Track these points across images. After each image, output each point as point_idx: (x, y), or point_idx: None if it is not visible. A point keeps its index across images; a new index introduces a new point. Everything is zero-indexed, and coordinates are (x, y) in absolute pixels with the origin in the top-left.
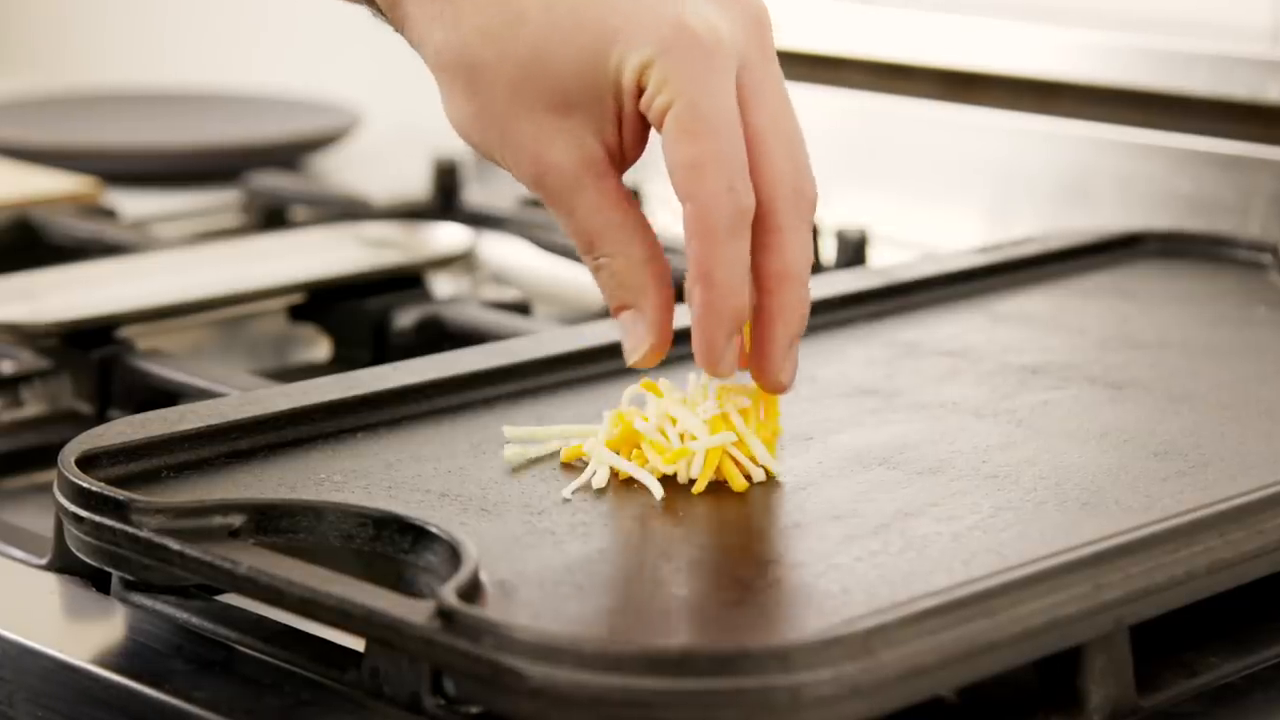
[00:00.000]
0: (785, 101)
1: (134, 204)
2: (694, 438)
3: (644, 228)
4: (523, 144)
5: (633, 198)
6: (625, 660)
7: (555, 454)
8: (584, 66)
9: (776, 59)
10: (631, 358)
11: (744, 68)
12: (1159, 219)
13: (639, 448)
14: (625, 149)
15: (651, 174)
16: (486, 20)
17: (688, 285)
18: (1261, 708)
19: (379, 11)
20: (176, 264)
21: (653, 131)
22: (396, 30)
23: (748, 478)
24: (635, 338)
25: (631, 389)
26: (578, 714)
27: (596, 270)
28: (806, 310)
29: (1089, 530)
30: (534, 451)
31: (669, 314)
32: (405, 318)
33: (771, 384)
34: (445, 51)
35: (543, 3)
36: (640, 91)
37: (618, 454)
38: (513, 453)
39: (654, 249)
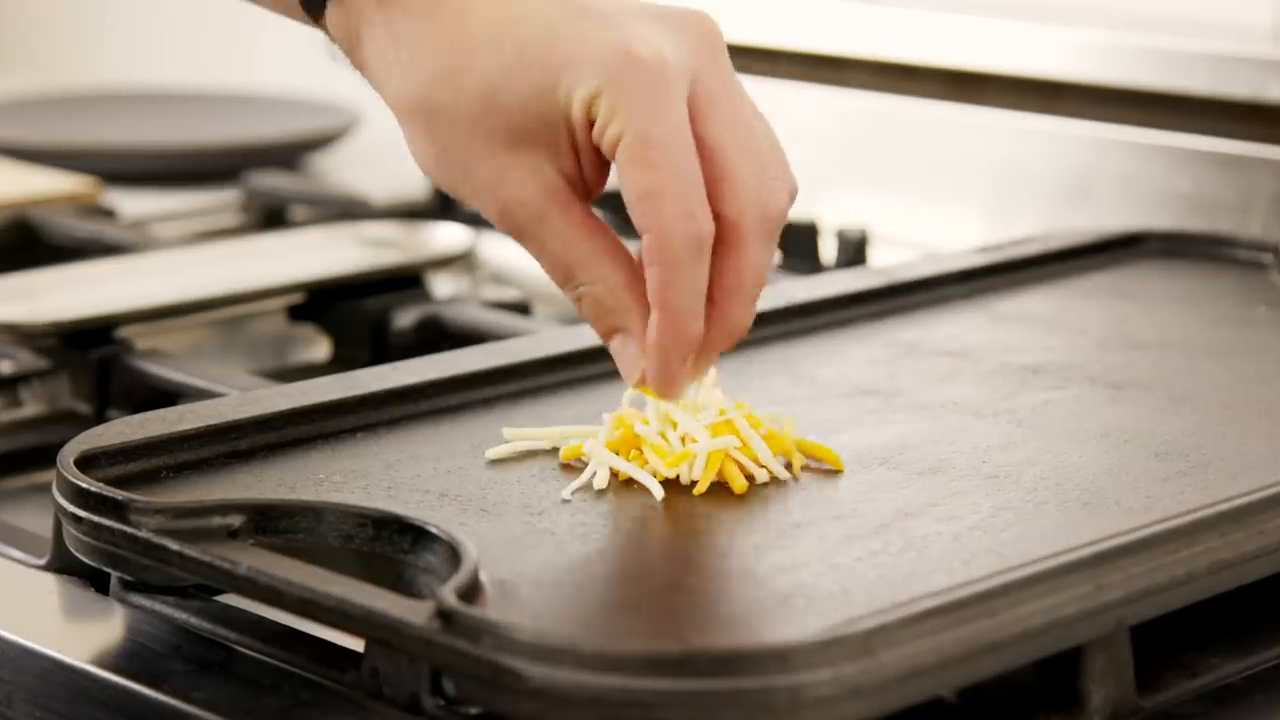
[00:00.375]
0: (744, 112)
1: (133, 204)
2: (695, 440)
3: (618, 251)
4: (482, 182)
5: (603, 224)
6: (625, 661)
7: (555, 454)
8: (534, 101)
9: (732, 72)
10: (630, 380)
11: (696, 83)
12: (1160, 219)
13: (639, 449)
14: (586, 179)
15: None
16: (440, 63)
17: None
18: (1262, 708)
19: (341, 51)
20: (176, 264)
21: None
22: (357, 71)
23: (750, 479)
24: (629, 360)
25: (631, 389)
26: (578, 714)
27: (578, 301)
28: (745, 327)
29: (1089, 530)
30: (520, 448)
31: None
32: (405, 318)
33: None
34: (403, 96)
35: (491, 42)
36: (591, 123)
37: (617, 455)
38: (498, 450)
39: (632, 271)
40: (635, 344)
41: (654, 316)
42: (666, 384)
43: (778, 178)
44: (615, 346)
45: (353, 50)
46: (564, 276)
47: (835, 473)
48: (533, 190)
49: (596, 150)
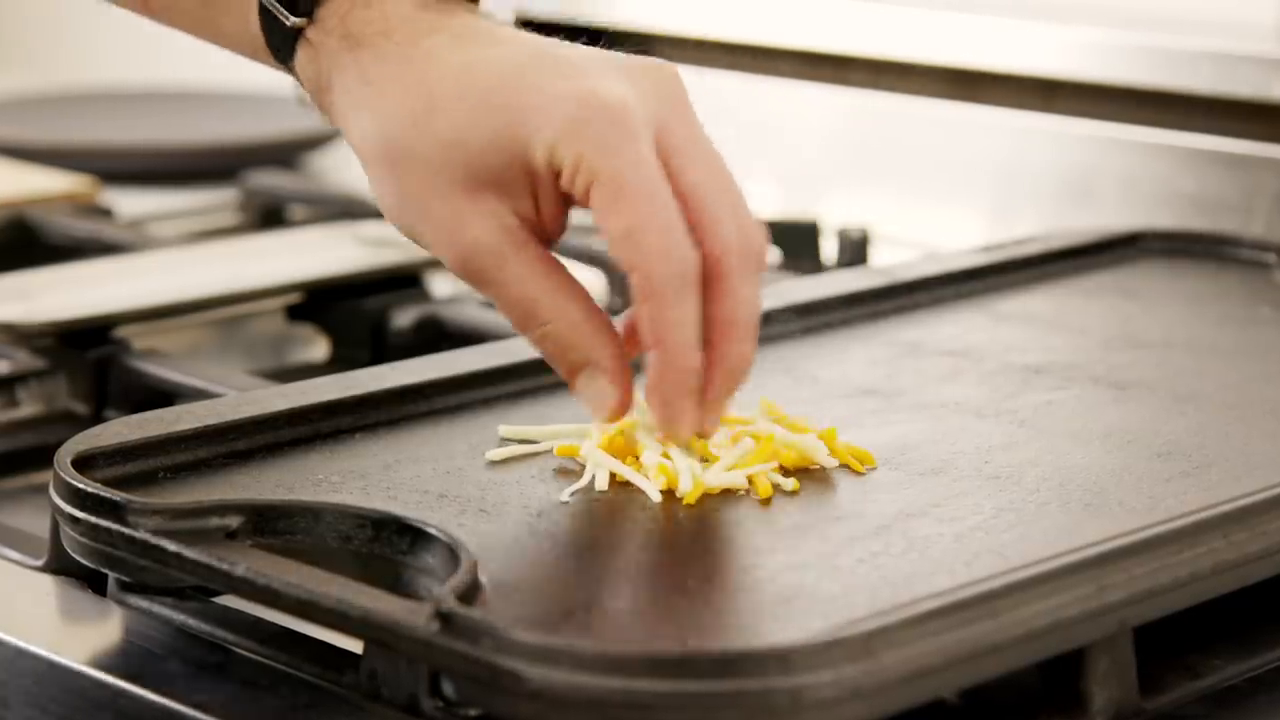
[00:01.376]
0: (715, 156)
1: (131, 203)
2: (715, 458)
3: (578, 290)
4: (440, 226)
5: (561, 264)
6: (625, 662)
7: (553, 455)
8: (493, 147)
9: (696, 116)
10: (600, 415)
11: (663, 130)
12: (1162, 218)
13: (635, 453)
14: (545, 224)
15: None
16: (408, 106)
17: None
18: (1265, 710)
19: (308, 93)
20: (173, 263)
21: None
22: (323, 114)
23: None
24: (597, 394)
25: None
26: (577, 716)
27: (540, 341)
28: (747, 363)
29: (1092, 531)
30: (519, 451)
31: (625, 365)
32: (403, 317)
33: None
34: (370, 137)
35: (457, 88)
36: (556, 172)
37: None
38: (497, 451)
39: (592, 307)
40: (603, 377)
41: (652, 357)
42: (672, 423)
43: (750, 216)
44: (581, 384)
45: (321, 93)
46: (524, 317)
47: (836, 474)
48: (490, 234)
49: (556, 196)
